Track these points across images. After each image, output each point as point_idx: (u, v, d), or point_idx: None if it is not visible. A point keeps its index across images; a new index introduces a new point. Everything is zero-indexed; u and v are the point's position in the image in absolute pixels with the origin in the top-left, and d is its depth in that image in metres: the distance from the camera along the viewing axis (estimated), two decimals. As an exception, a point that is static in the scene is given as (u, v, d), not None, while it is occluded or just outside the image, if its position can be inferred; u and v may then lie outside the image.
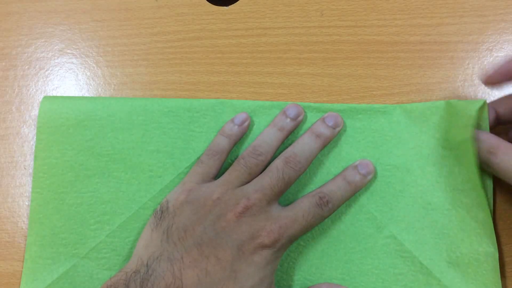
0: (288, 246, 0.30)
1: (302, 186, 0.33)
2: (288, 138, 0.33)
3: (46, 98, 0.35)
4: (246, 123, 0.33)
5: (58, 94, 0.36)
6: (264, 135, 0.33)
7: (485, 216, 0.31)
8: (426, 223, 0.32)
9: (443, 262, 0.31)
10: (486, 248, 0.31)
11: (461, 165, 0.32)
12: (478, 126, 0.32)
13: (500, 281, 0.30)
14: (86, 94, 0.36)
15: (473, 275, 0.30)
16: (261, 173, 0.31)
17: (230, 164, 0.32)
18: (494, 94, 0.34)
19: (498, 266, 0.31)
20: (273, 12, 0.37)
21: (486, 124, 0.32)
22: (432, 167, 0.32)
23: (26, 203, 0.34)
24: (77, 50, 0.37)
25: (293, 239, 0.30)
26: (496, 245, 0.31)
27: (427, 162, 0.32)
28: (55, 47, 0.37)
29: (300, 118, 0.33)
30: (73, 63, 0.37)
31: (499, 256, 0.31)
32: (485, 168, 0.31)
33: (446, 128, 0.33)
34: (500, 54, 0.35)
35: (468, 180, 0.32)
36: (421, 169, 0.32)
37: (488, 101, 0.34)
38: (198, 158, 0.33)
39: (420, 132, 0.33)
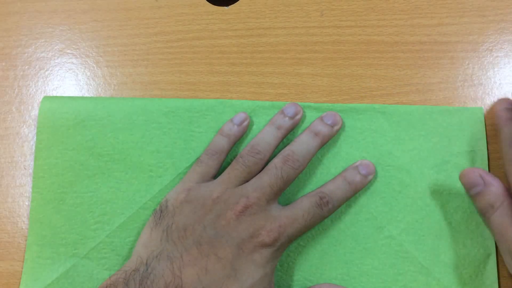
0: (287, 246, 0.30)
1: (301, 186, 0.33)
2: (288, 138, 0.33)
3: (46, 98, 0.35)
4: (245, 123, 0.33)
5: (58, 94, 0.36)
6: (262, 134, 0.33)
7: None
8: (425, 224, 0.32)
9: (442, 262, 0.31)
10: (483, 251, 0.31)
11: (459, 172, 0.32)
12: (474, 134, 0.33)
13: (497, 282, 0.30)
14: (86, 94, 0.36)
15: (470, 276, 0.31)
16: (260, 171, 0.31)
17: (230, 164, 0.32)
18: (494, 94, 0.34)
19: (496, 269, 0.31)
20: (273, 12, 0.37)
21: (482, 132, 0.33)
22: (430, 170, 0.32)
23: (26, 203, 0.34)
24: (77, 50, 0.37)
25: (292, 239, 0.30)
26: (495, 248, 0.31)
27: (425, 164, 0.33)
28: (55, 47, 0.37)
29: (298, 116, 0.33)
30: (73, 63, 0.37)
31: (498, 258, 0.31)
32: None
33: (443, 134, 0.33)
34: (500, 54, 0.35)
35: None
36: (419, 171, 0.32)
37: (487, 103, 0.34)
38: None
39: (418, 135, 0.33)
